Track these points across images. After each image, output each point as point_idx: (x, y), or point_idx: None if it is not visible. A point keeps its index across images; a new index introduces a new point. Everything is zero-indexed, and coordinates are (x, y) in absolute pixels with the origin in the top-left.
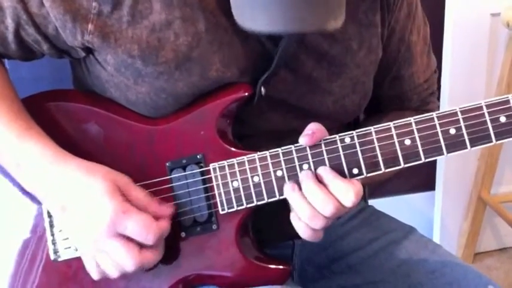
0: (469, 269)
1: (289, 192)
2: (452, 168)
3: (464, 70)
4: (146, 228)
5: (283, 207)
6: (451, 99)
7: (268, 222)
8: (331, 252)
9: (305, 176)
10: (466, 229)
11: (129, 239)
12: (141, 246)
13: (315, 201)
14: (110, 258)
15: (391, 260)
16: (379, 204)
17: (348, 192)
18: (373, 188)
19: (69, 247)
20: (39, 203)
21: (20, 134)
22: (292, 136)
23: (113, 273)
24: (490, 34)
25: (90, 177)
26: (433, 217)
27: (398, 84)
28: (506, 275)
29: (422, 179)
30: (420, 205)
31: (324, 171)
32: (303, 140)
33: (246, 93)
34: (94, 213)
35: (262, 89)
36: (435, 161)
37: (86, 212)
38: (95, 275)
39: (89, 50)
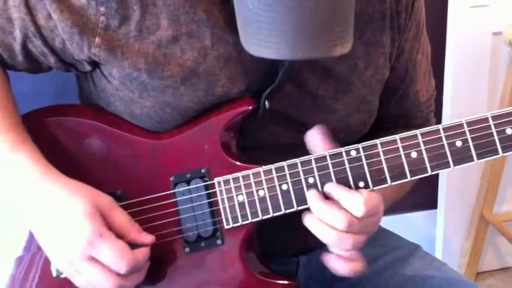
0: (474, 286)
1: (309, 221)
2: (454, 187)
3: (466, 89)
4: (120, 256)
5: (289, 221)
6: (453, 118)
7: (273, 238)
8: None
9: (310, 196)
10: (468, 248)
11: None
12: None
13: (326, 218)
14: (86, 281)
15: (396, 278)
16: (381, 222)
17: (355, 202)
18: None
19: None
20: None
21: (13, 147)
22: (296, 150)
23: None
24: (492, 53)
25: (73, 197)
26: (435, 236)
27: (404, 103)
28: None
29: (424, 197)
30: (422, 224)
31: (330, 187)
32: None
33: (250, 107)
34: (71, 234)
35: (267, 102)
36: (437, 179)
37: (63, 232)
38: None
39: (95, 64)
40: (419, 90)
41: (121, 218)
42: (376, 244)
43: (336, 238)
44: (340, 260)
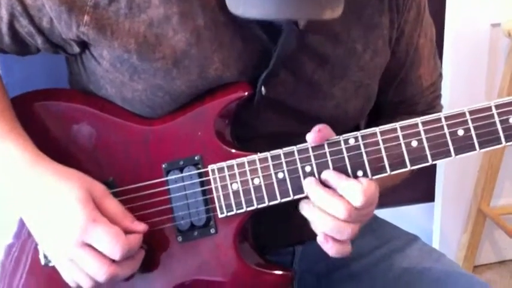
0: (473, 279)
1: (307, 209)
2: (452, 180)
3: (464, 81)
4: (114, 240)
5: (284, 211)
6: (451, 110)
7: (268, 227)
8: (332, 260)
9: (308, 183)
10: (465, 242)
11: (98, 250)
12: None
13: (325, 206)
14: (79, 268)
15: (393, 269)
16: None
17: (354, 191)
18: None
19: None
20: None
21: (2, 135)
22: (291, 140)
23: (85, 284)
24: (490, 44)
25: (65, 183)
26: (432, 229)
27: (405, 89)
28: (506, 287)
29: (421, 190)
30: (419, 217)
31: (328, 175)
32: (310, 137)
33: (246, 93)
34: (64, 220)
35: (263, 88)
36: (434, 172)
37: (56, 218)
38: (73, 284)
39: (84, 45)
40: (422, 74)
41: (113, 206)
42: (373, 235)
43: (334, 227)
44: (334, 243)
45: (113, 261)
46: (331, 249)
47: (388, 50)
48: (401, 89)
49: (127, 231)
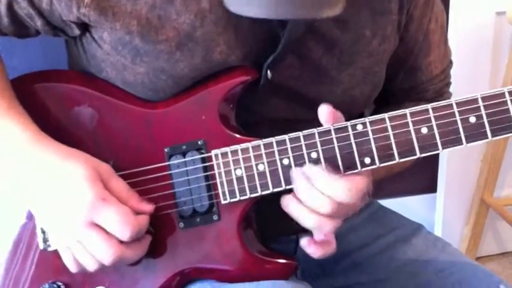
0: (479, 268)
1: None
2: (455, 171)
3: (468, 70)
4: (124, 220)
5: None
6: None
7: (271, 215)
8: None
9: (297, 176)
10: (468, 233)
11: (107, 231)
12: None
13: (310, 201)
14: (86, 250)
15: (398, 258)
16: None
17: (342, 189)
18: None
19: None
20: None
21: (1, 113)
22: (297, 126)
23: (90, 266)
24: (495, 33)
25: (70, 162)
26: (434, 220)
27: (414, 76)
28: (508, 279)
29: (423, 181)
30: (421, 208)
31: (314, 171)
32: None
33: (251, 77)
34: (72, 199)
35: (269, 72)
36: (437, 162)
37: (62, 198)
38: (72, 268)
39: (84, 27)
40: (432, 61)
41: (120, 185)
42: (376, 223)
43: (316, 222)
44: (312, 245)
45: (121, 243)
46: (314, 253)
47: (396, 36)
48: (411, 76)
49: (134, 212)
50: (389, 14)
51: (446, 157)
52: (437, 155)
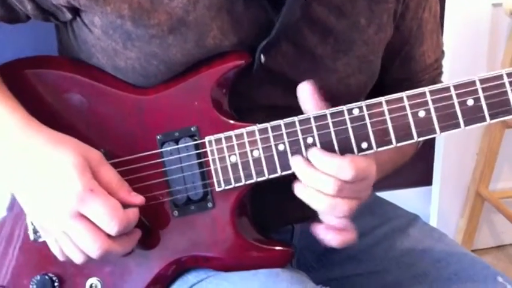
0: (476, 259)
1: (299, 190)
2: (450, 163)
3: (465, 62)
4: (112, 214)
5: (283, 186)
6: None
7: (266, 204)
8: None
9: (295, 162)
10: (463, 226)
11: (94, 223)
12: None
13: (313, 183)
14: (72, 242)
15: (394, 249)
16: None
17: (341, 165)
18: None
19: None
20: None
21: None
22: (292, 114)
23: (77, 259)
24: (492, 25)
25: (59, 148)
26: (429, 213)
27: (408, 65)
28: (504, 273)
29: (418, 173)
30: (416, 201)
31: (312, 153)
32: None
33: (244, 61)
34: (59, 188)
35: (262, 57)
36: (432, 155)
37: (50, 186)
38: (61, 257)
39: (75, 11)
40: (425, 51)
41: (110, 175)
42: (372, 214)
43: (327, 204)
44: (330, 231)
45: (109, 236)
46: (333, 240)
47: (392, 25)
48: (405, 65)
49: (124, 204)
50: (385, 3)
51: (442, 150)
52: (433, 147)
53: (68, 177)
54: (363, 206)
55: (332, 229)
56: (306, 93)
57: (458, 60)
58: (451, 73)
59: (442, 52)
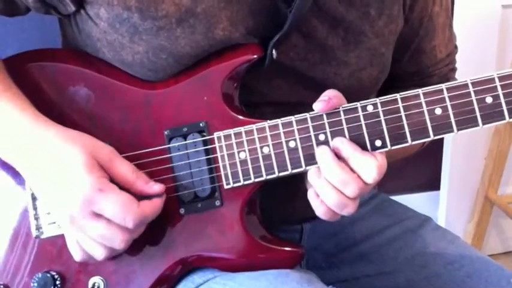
0: (489, 261)
1: (315, 178)
2: (458, 167)
3: (474, 63)
4: (125, 209)
5: (293, 185)
6: None
7: (275, 203)
8: (341, 238)
9: (321, 153)
10: (472, 231)
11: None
12: None
13: (335, 181)
14: (92, 239)
15: (406, 250)
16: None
17: (370, 168)
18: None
19: (54, 222)
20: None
21: None
22: (303, 110)
23: (98, 255)
24: (501, 26)
25: (68, 146)
26: (437, 218)
27: (419, 59)
28: None
29: (426, 177)
30: (424, 205)
31: (342, 144)
32: (318, 105)
33: (256, 56)
34: (68, 187)
35: (274, 51)
36: (440, 158)
37: (60, 186)
38: (78, 257)
39: (79, 4)
40: (436, 45)
41: (124, 168)
42: (383, 214)
43: (337, 202)
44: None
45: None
46: (324, 213)
47: (402, 17)
48: (416, 59)
49: (142, 195)
50: None
51: (450, 153)
52: (441, 151)
53: (76, 177)
54: (373, 206)
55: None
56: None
57: (467, 62)
58: (461, 74)
59: (455, 47)
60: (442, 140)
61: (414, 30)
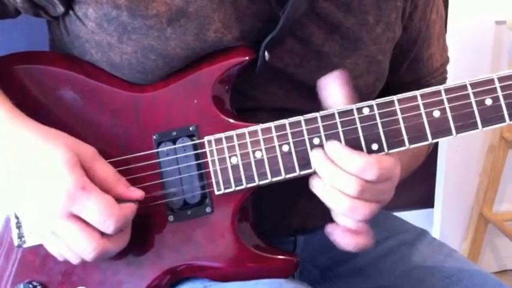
0: (488, 275)
1: (317, 186)
2: (452, 184)
3: (467, 79)
4: (106, 211)
5: (287, 193)
6: None
7: (267, 213)
8: (336, 252)
9: (316, 156)
10: (466, 249)
11: (87, 222)
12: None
13: (335, 182)
14: (64, 243)
15: (403, 263)
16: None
17: (366, 164)
18: None
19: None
20: None
21: None
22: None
23: (73, 260)
24: (495, 42)
25: (49, 143)
26: None
27: (416, 68)
28: None
29: (420, 195)
30: (417, 223)
31: (334, 147)
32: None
33: (248, 57)
34: (48, 187)
35: (266, 53)
36: (434, 176)
37: (38, 185)
38: (58, 257)
39: (68, 4)
40: (433, 54)
41: (105, 170)
42: (379, 226)
43: (347, 206)
44: (347, 233)
45: (103, 235)
46: (343, 241)
47: (400, 25)
48: (413, 68)
49: (121, 199)
50: (393, 0)
51: (444, 170)
52: (435, 168)
53: (57, 175)
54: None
55: (349, 232)
56: (337, 82)
57: (461, 78)
58: None
59: (448, 58)
60: (435, 156)
61: (413, 38)
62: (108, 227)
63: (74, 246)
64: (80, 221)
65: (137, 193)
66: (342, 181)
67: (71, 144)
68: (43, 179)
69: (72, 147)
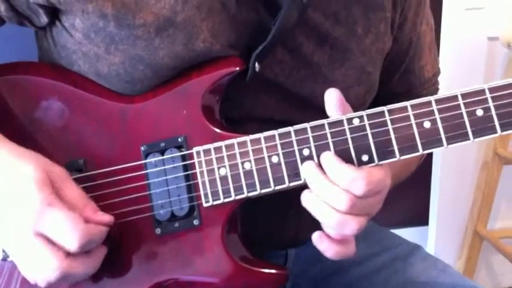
0: None
1: (307, 199)
2: (447, 201)
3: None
4: (71, 226)
5: (277, 206)
6: None
7: (257, 226)
8: (328, 265)
9: (306, 168)
10: (461, 267)
11: (53, 242)
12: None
13: (325, 196)
14: (29, 261)
15: (396, 278)
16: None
17: (356, 179)
18: None
19: None
20: None
21: None
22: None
23: (39, 282)
24: (487, 58)
25: (21, 162)
26: None
27: (408, 79)
28: None
29: (414, 212)
30: (412, 241)
31: (327, 158)
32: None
33: (238, 68)
34: (17, 204)
35: (257, 64)
36: (428, 193)
37: (8, 203)
38: (30, 280)
39: (53, 14)
40: (424, 65)
41: (74, 192)
42: (371, 241)
43: (336, 221)
44: (332, 243)
45: (68, 255)
46: (327, 250)
47: (390, 36)
48: (405, 79)
49: (87, 221)
50: (382, 11)
51: (438, 187)
52: (429, 185)
53: (27, 193)
54: (364, 231)
55: (328, 238)
56: (333, 98)
57: None
58: None
59: (439, 69)
60: (430, 173)
61: (404, 50)
62: (71, 243)
63: (38, 265)
64: (44, 239)
65: (105, 218)
66: (332, 195)
67: (42, 164)
68: (12, 196)
69: (43, 167)
